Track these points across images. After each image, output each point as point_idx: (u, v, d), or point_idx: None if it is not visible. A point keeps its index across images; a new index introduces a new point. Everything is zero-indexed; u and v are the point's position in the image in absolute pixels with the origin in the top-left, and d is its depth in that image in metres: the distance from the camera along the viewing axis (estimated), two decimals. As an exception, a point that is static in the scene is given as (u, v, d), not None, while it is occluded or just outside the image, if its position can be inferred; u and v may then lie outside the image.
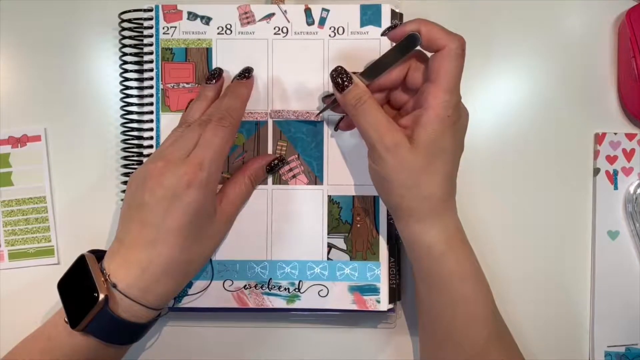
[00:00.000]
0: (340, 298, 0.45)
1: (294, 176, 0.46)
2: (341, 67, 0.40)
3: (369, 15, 0.46)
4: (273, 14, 0.46)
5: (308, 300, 0.45)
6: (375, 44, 0.46)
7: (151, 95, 0.47)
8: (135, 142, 0.47)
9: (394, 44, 0.40)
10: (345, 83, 0.39)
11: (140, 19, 0.47)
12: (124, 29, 0.47)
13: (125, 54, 0.48)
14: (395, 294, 0.46)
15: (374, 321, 0.49)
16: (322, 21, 0.46)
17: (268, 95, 0.46)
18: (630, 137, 0.48)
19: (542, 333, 0.48)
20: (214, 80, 0.44)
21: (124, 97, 0.48)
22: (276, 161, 0.45)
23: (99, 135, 0.49)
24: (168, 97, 0.46)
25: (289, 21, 0.46)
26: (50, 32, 0.50)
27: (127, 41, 0.47)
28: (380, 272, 0.46)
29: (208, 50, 0.46)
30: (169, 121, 0.46)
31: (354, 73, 0.40)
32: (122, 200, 0.44)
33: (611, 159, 0.48)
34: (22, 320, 0.44)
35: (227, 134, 0.40)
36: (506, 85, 0.49)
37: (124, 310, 0.38)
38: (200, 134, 0.40)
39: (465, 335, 0.40)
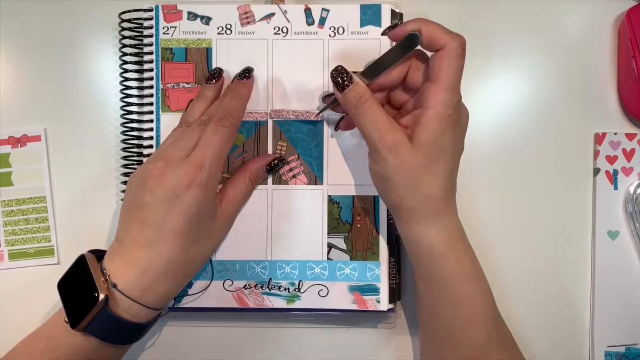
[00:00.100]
0: (340, 298, 0.45)
1: (294, 176, 0.46)
2: (341, 67, 0.40)
3: (369, 15, 0.46)
4: (273, 14, 0.46)
5: (308, 300, 0.45)
6: (375, 43, 0.46)
7: (151, 95, 0.47)
8: (135, 142, 0.47)
9: (394, 44, 0.40)
10: (346, 82, 0.39)
11: (140, 19, 0.47)
12: (124, 29, 0.47)
13: (125, 54, 0.48)
14: (395, 294, 0.46)
15: (374, 321, 0.48)
16: (322, 21, 0.46)
17: (268, 95, 0.46)
18: (630, 137, 0.48)
19: (542, 333, 0.48)
20: (214, 80, 0.44)
21: (124, 97, 0.48)
22: (276, 161, 0.45)
23: (99, 135, 0.49)
24: (168, 97, 0.46)
25: (289, 21, 0.46)
26: (50, 32, 0.50)
27: (127, 41, 0.47)
28: (380, 272, 0.46)
29: (208, 50, 0.46)
30: (169, 121, 0.46)
31: (354, 72, 0.40)
32: (122, 200, 0.44)
33: (611, 159, 0.48)
34: (22, 320, 0.44)
35: (227, 134, 0.40)
36: (506, 85, 0.49)
37: (124, 310, 0.38)
38: (200, 134, 0.40)
39: (465, 335, 0.40)
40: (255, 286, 0.46)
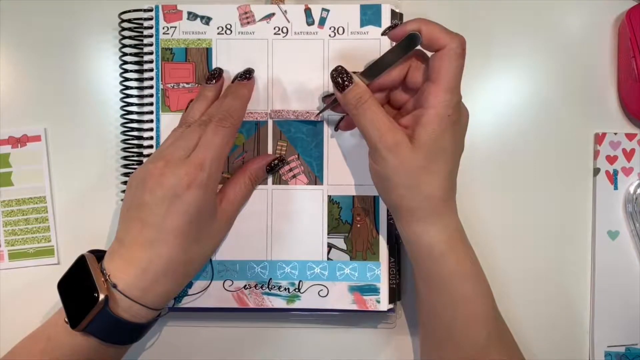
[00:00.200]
0: (340, 298, 0.45)
1: (294, 176, 0.46)
2: (341, 67, 0.40)
3: (369, 15, 0.46)
4: (273, 14, 0.46)
5: (308, 300, 0.45)
6: (375, 44, 0.46)
7: (151, 95, 0.47)
8: (135, 142, 0.47)
9: (394, 44, 0.40)
10: (346, 83, 0.39)
11: (140, 19, 0.47)
12: (124, 29, 0.47)
13: (125, 54, 0.48)
14: (395, 294, 0.46)
15: (374, 321, 0.48)
16: (322, 21, 0.46)
17: (268, 95, 0.46)
18: (630, 137, 0.48)
19: (542, 333, 0.48)
20: (214, 81, 0.44)
21: (124, 97, 0.48)
22: (276, 161, 0.45)
23: (99, 135, 0.49)
24: (168, 97, 0.46)
25: (289, 21, 0.46)
26: (50, 32, 0.50)
27: (127, 41, 0.47)
28: (380, 272, 0.46)
29: (208, 50, 0.46)
30: (169, 121, 0.46)
31: (354, 73, 0.40)
32: (122, 200, 0.44)
33: (611, 159, 0.48)
34: (22, 320, 0.44)
35: (227, 134, 0.40)
36: (506, 85, 0.49)
37: (124, 310, 0.38)
38: (200, 135, 0.40)
39: (465, 335, 0.40)
40: (255, 286, 0.46)
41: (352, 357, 0.48)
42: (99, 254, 0.40)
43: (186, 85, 0.46)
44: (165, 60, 0.46)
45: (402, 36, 0.39)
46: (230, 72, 0.46)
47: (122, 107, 0.48)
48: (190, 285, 0.45)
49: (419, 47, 0.39)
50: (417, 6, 0.48)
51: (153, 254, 0.38)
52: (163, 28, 0.46)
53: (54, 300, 0.46)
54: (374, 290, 0.45)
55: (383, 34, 0.42)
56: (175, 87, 0.46)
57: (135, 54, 0.47)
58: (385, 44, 0.46)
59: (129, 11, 0.47)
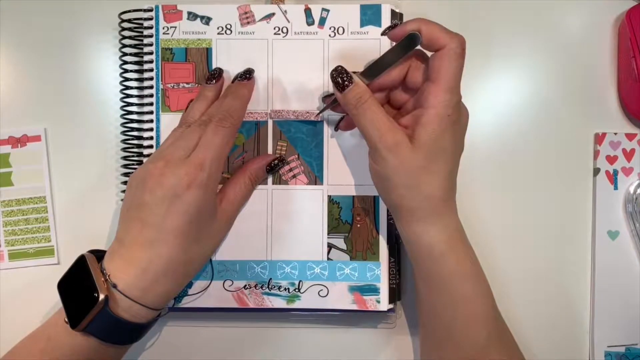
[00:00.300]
0: (340, 298, 0.45)
1: (294, 176, 0.46)
2: (341, 67, 0.40)
3: (369, 15, 0.46)
4: (273, 14, 0.46)
5: (308, 300, 0.45)
6: (375, 44, 0.46)
7: (151, 95, 0.47)
8: (135, 142, 0.47)
9: (394, 44, 0.40)
10: (346, 82, 0.39)
11: (140, 19, 0.47)
12: (124, 29, 0.47)
13: (125, 54, 0.48)
14: (395, 294, 0.46)
15: (374, 321, 0.48)
16: (322, 21, 0.46)
17: (268, 95, 0.46)
18: (630, 137, 0.48)
19: (542, 333, 0.48)
20: (214, 81, 0.44)
21: (124, 97, 0.48)
22: (276, 161, 0.45)
23: (99, 135, 0.49)
24: (168, 97, 0.46)
25: (289, 21, 0.46)
26: (50, 32, 0.50)
27: (127, 41, 0.47)
28: (380, 272, 0.46)
29: (208, 50, 0.46)
30: (169, 121, 0.46)
31: (354, 73, 0.40)
32: (122, 200, 0.44)
33: (611, 159, 0.48)
34: (22, 320, 0.44)
35: (227, 134, 0.40)
36: (506, 85, 0.49)
37: (124, 310, 0.38)
38: (200, 135, 0.40)
39: (465, 335, 0.40)
40: (255, 286, 0.46)
41: (352, 357, 0.48)
42: (99, 254, 0.40)
43: (186, 85, 0.46)
44: (165, 60, 0.46)
45: (402, 36, 0.39)
46: (230, 72, 0.46)
47: (122, 107, 0.48)
48: (190, 285, 0.45)
49: (418, 47, 0.39)
50: (417, 6, 0.48)
51: (153, 254, 0.38)
52: (163, 28, 0.46)
53: (54, 300, 0.46)
54: (374, 290, 0.45)
55: (383, 33, 0.42)
56: (175, 87, 0.46)
57: (135, 54, 0.47)
58: (385, 44, 0.46)
59: (129, 11, 0.47)
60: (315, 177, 0.46)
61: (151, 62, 0.47)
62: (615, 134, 0.48)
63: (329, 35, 0.46)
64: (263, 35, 0.46)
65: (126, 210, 0.40)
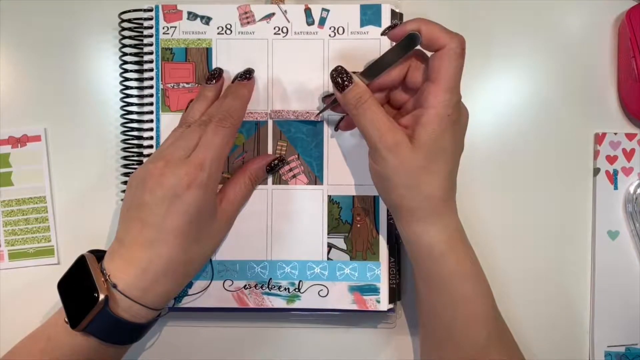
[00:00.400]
0: (340, 298, 0.45)
1: (294, 176, 0.46)
2: (341, 67, 0.40)
3: (369, 15, 0.46)
4: (273, 14, 0.46)
5: (308, 300, 0.45)
6: (375, 43, 0.46)
7: (151, 95, 0.47)
8: (135, 142, 0.47)
9: (394, 44, 0.40)
10: (346, 83, 0.39)
11: (140, 19, 0.47)
12: (124, 29, 0.47)
13: (125, 54, 0.48)
14: (395, 294, 0.46)
15: (374, 321, 0.48)
16: (322, 21, 0.46)
17: (268, 95, 0.46)
18: (630, 137, 0.48)
19: (542, 333, 0.48)
20: (214, 81, 0.44)
21: (124, 97, 0.48)
22: (276, 161, 0.45)
23: (99, 135, 0.49)
24: (168, 97, 0.46)
25: (289, 21, 0.46)
26: (50, 32, 0.50)
27: (127, 41, 0.47)
28: (380, 272, 0.46)
29: (208, 50, 0.46)
30: (169, 121, 0.46)
31: (354, 73, 0.40)
32: (122, 200, 0.44)
33: (611, 159, 0.48)
34: (22, 320, 0.44)
35: (227, 134, 0.40)
36: (506, 85, 0.49)
37: (124, 310, 0.38)
38: (200, 135, 0.40)
39: (465, 335, 0.40)
40: (255, 286, 0.46)
41: (352, 357, 0.48)
42: (99, 254, 0.40)
43: (186, 85, 0.46)
44: (165, 60, 0.46)
45: (402, 36, 0.39)
46: (230, 72, 0.46)
47: (122, 107, 0.48)
48: (190, 285, 0.45)
49: (418, 47, 0.39)
50: (417, 6, 0.48)
51: (153, 254, 0.38)
52: (163, 28, 0.46)
53: (54, 300, 0.46)
54: (374, 290, 0.45)
55: (383, 33, 0.42)
56: (175, 87, 0.46)
57: (135, 54, 0.47)
58: (385, 44, 0.46)
59: (129, 11, 0.47)
60: (315, 177, 0.46)
61: (151, 62, 0.47)
62: (615, 134, 0.48)
63: (329, 35, 0.46)
64: (263, 35, 0.46)
65: (126, 210, 0.40)
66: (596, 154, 0.48)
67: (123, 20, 0.47)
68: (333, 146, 0.46)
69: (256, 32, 0.46)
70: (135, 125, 0.47)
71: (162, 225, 0.38)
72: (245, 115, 0.45)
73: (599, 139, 0.48)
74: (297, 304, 0.46)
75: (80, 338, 0.38)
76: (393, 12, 0.46)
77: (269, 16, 0.46)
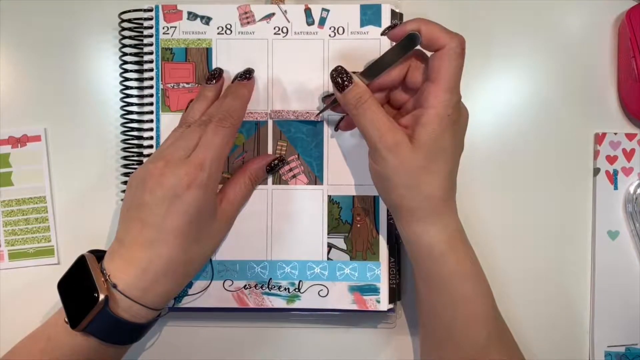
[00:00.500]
0: (340, 298, 0.45)
1: (294, 176, 0.46)
2: (341, 67, 0.40)
3: (369, 15, 0.46)
4: (273, 14, 0.46)
5: (308, 300, 0.45)
6: (375, 43, 0.46)
7: (151, 95, 0.47)
8: (135, 142, 0.47)
9: (394, 44, 0.40)
10: (346, 83, 0.39)
11: (140, 19, 0.47)
12: (124, 29, 0.47)
13: (125, 54, 0.48)
14: (395, 294, 0.46)
15: (374, 321, 0.48)
16: (322, 21, 0.46)
17: (268, 96, 0.46)
18: (630, 137, 0.48)
19: (542, 333, 0.48)
20: (214, 81, 0.44)
21: (124, 97, 0.48)
22: (276, 161, 0.45)
23: (99, 135, 0.49)
24: (168, 97, 0.46)
25: (289, 21, 0.46)
26: (50, 32, 0.50)
27: (127, 41, 0.47)
28: (380, 272, 0.46)
29: (208, 50, 0.46)
30: (169, 121, 0.46)
31: (354, 73, 0.40)
32: (122, 200, 0.44)
33: (611, 159, 0.48)
34: (22, 320, 0.44)
35: (227, 134, 0.40)
36: (506, 85, 0.49)
37: (124, 310, 0.38)
38: (200, 135, 0.40)
39: (465, 335, 0.40)
40: (255, 286, 0.46)
41: (352, 357, 0.48)
42: (99, 254, 0.40)
43: (186, 85, 0.46)
44: (165, 60, 0.46)
45: (402, 36, 0.39)
46: (230, 72, 0.46)
47: (122, 107, 0.48)
48: (190, 285, 0.45)
49: (418, 47, 0.39)
50: (417, 6, 0.48)
51: (153, 254, 0.38)
52: (163, 28, 0.46)
53: (54, 300, 0.46)
54: (374, 290, 0.45)
55: (383, 33, 0.42)
56: (175, 87, 0.46)
57: (135, 54, 0.47)
58: (385, 44, 0.46)
59: (129, 11, 0.47)
60: (315, 177, 0.46)
61: (151, 62, 0.47)
62: (615, 134, 0.48)
63: (329, 35, 0.46)
64: (263, 35, 0.46)
65: (126, 210, 0.40)
66: (596, 154, 0.48)
67: (123, 20, 0.47)
68: (333, 146, 0.46)
69: (256, 32, 0.46)
70: (135, 125, 0.47)
71: (162, 225, 0.38)
72: (245, 115, 0.45)
73: (599, 139, 0.48)
74: (297, 304, 0.46)
75: (80, 338, 0.38)
76: (393, 12, 0.46)
77: (269, 16, 0.46)
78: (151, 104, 0.47)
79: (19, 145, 0.49)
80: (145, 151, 0.47)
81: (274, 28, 0.46)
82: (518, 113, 0.49)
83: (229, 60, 0.46)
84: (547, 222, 0.49)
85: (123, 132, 0.48)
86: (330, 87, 0.45)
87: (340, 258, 0.46)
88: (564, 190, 0.49)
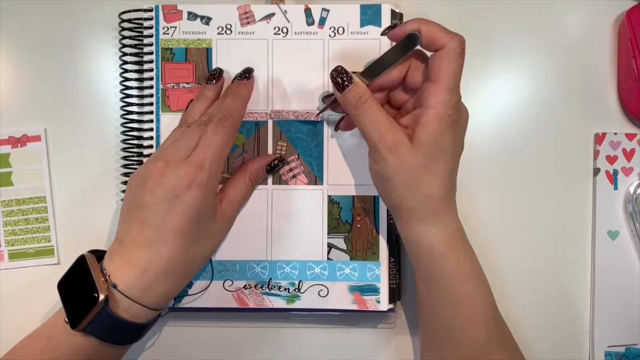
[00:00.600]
0: (340, 298, 0.45)
1: (294, 176, 0.46)
2: (341, 67, 0.40)
3: (369, 15, 0.46)
4: (273, 14, 0.46)
5: (308, 300, 0.45)
6: (375, 43, 0.46)
7: (151, 95, 0.47)
8: (135, 142, 0.47)
9: (394, 44, 0.40)
10: (346, 83, 0.39)
11: (140, 19, 0.47)
12: (124, 29, 0.47)
13: (125, 54, 0.48)
14: (395, 294, 0.46)
15: (374, 321, 0.48)
16: (322, 21, 0.46)
17: (268, 96, 0.46)
18: (630, 137, 0.48)
19: (542, 333, 0.48)
20: (214, 81, 0.44)
21: (124, 97, 0.48)
22: (276, 161, 0.45)
23: (99, 135, 0.49)
24: (168, 97, 0.47)
25: (289, 21, 0.46)
26: (50, 32, 0.50)
27: (127, 41, 0.47)
28: (380, 272, 0.46)
29: (208, 50, 0.46)
30: (169, 121, 0.46)
31: (354, 73, 0.40)
32: (122, 200, 0.44)
33: (611, 159, 0.48)
34: (22, 320, 0.44)
35: (227, 134, 0.41)
36: (506, 85, 0.49)
37: (124, 310, 0.38)
38: (200, 135, 0.40)
39: (465, 335, 0.40)
40: (255, 286, 0.46)
41: (352, 357, 0.48)
42: (99, 254, 0.40)
43: (186, 85, 0.46)
44: (165, 60, 0.46)
45: (402, 36, 0.39)
46: (230, 72, 0.46)
47: (122, 107, 0.48)
48: (190, 285, 0.45)
49: (418, 47, 0.39)
50: (417, 6, 0.48)
51: (153, 254, 0.38)
52: (163, 28, 0.46)
53: (54, 300, 0.46)
54: (374, 290, 0.45)
55: (383, 33, 0.42)
56: (175, 87, 0.46)
57: (135, 54, 0.47)
58: (385, 44, 0.46)
59: (129, 11, 0.47)
60: (315, 177, 0.46)
61: (151, 62, 0.47)
62: (615, 134, 0.48)
63: (329, 35, 0.46)
64: (263, 35, 0.46)
65: (126, 210, 0.40)
66: (596, 154, 0.48)
67: (123, 20, 0.47)
68: (333, 146, 0.46)
69: (256, 32, 0.46)
70: (135, 125, 0.47)
71: (162, 225, 0.38)
72: (245, 115, 0.45)
73: (599, 139, 0.48)
74: (297, 304, 0.46)
75: (80, 338, 0.38)
76: (393, 12, 0.46)
77: (269, 16, 0.46)
78: (151, 104, 0.47)
79: (19, 145, 0.49)
80: (145, 151, 0.47)
81: (274, 28, 0.46)
82: (518, 113, 0.49)
83: (229, 60, 0.46)
84: (547, 222, 0.49)
85: (123, 132, 0.48)
86: (330, 87, 0.45)
87: (340, 258, 0.46)
88: (564, 190, 0.49)
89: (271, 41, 0.46)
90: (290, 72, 0.46)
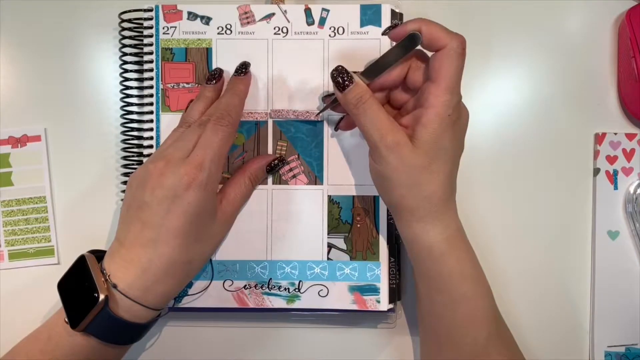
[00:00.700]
0: (340, 298, 0.45)
1: (294, 176, 0.46)
2: (342, 67, 0.40)
3: (369, 15, 0.46)
4: (273, 14, 0.46)
5: (308, 300, 0.45)
6: (375, 43, 0.46)
7: (151, 95, 0.47)
8: (135, 142, 0.47)
9: (395, 44, 0.40)
10: (346, 82, 0.39)
11: (140, 19, 0.47)
12: (124, 29, 0.47)
13: (125, 54, 0.48)
14: (395, 294, 0.46)
15: (374, 321, 0.48)
16: (322, 21, 0.46)
17: (268, 95, 0.46)
18: (630, 137, 0.48)
19: (542, 333, 0.48)
20: (214, 81, 0.44)
21: (124, 97, 0.48)
22: (276, 161, 0.45)
23: (99, 135, 0.49)
24: (168, 97, 0.46)
25: (289, 21, 0.46)
26: (50, 32, 0.50)
27: (127, 41, 0.47)
28: (380, 272, 0.46)
29: (208, 50, 0.46)
30: (169, 121, 0.46)
31: (355, 72, 0.40)
32: (122, 200, 0.44)
33: (611, 159, 0.48)
34: (22, 320, 0.44)
35: (226, 133, 0.40)
36: (506, 85, 0.49)
37: (124, 310, 0.38)
38: (200, 134, 0.40)
39: (465, 335, 0.40)
40: (255, 286, 0.46)
41: (352, 357, 0.48)
42: (99, 254, 0.40)
43: (186, 85, 0.46)
44: (165, 60, 0.46)
45: (403, 36, 0.39)
46: (230, 72, 0.45)
47: (122, 107, 0.48)
48: (190, 285, 0.45)
49: (419, 47, 0.39)
50: (417, 6, 0.48)
51: (153, 254, 0.38)
52: (163, 28, 0.46)
53: (54, 300, 0.46)
54: (374, 290, 0.45)
55: (383, 33, 0.42)
56: (175, 87, 0.46)
57: (135, 54, 0.47)
58: (386, 44, 0.46)
59: (129, 11, 0.47)
60: (315, 177, 0.46)
61: (151, 62, 0.47)
62: (615, 134, 0.48)
63: (329, 35, 0.46)
64: (263, 35, 0.46)
65: (126, 211, 0.40)
66: (596, 154, 0.48)
67: (123, 20, 0.47)
68: (333, 146, 0.46)
69: (256, 32, 0.46)
70: (135, 125, 0.47)
71: (163, 226, 0.38)
72: (245, 115, 0.45)
73: (599, 139, 0.48)
74: (297, 304, 0.46)
75: (80, 338, 0.38)
76: (393, 12, 0.46)
77: (269, 16, 0.46)
78: (151, 104, 0.47)
79: (19, 145, 0.49)
80: (145, 151, 0.47)
81: (274, 28, 0.46)
82: (518, 113, 0.49)
83: (229, 60, 0.46)
84: (547, 222, 0.49)
85: (123, 132, 0.48)
86: (330, 87, 0.45)
87: (340, 258, 0.46)
88: (564, 190, 0.49)
89: (271, 41, 0.46)
90: (290, 72, 0.46)
